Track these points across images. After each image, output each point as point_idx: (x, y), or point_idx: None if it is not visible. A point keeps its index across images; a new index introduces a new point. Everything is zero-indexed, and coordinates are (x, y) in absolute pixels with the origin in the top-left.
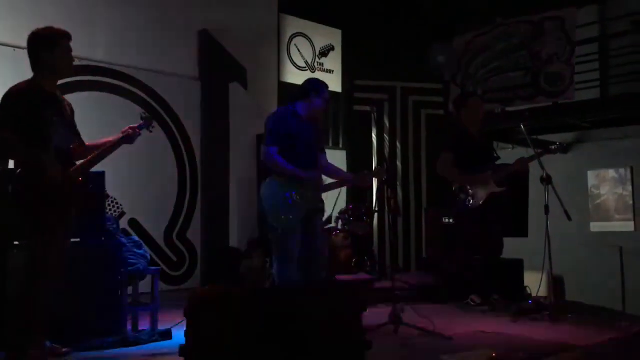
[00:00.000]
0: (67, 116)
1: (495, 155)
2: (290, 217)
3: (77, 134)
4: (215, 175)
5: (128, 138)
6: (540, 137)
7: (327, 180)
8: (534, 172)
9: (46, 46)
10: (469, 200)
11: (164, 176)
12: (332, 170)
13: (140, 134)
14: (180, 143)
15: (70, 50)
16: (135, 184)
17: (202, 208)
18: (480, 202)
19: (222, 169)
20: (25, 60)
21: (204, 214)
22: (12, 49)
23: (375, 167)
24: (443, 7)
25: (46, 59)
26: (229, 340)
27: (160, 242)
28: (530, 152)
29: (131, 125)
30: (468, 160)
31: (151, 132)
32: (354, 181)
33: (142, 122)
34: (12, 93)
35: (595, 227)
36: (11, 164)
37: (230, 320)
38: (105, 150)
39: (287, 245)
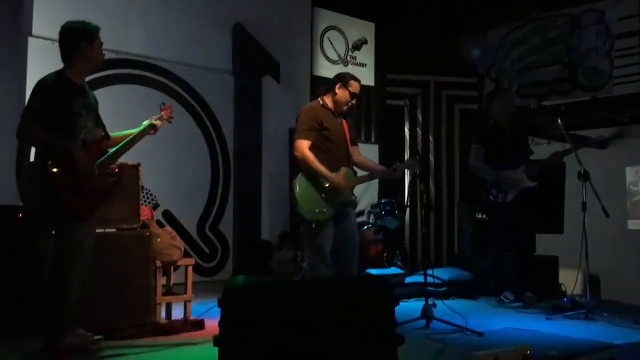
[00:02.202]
0: (92, 108)
1: (529, 149)
2: (324, 210)
3: (102, 126)
4: (247, 168)
5: (153, 128)
6: (578, 133)
7: (360, 172)
8: (571, 167)
9: (86, 38)
10: (501, 196)
11: (197, 168)
12: (364, 163)
13: (161, 125)
14: (214, 136)
15: (102, 44)
16: (168, 176)
17: (234, 200)
18: (513, 197)
19: (254, 162)
20: None
21: (236, 207)
22: (51, 42)
23: (407, 159)
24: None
25: (85, 51)
26: (262, 331)
27: (193, 233)
28: (567, 147)
29: (154, 116)
30: (499, 155)
31: (170, 122)
32: (386, 173)
33: (162, 112)
34: (41, 84)
35: (633, 224)
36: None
37: (264, 311)
38: (130, 141)
39: (319, 239)
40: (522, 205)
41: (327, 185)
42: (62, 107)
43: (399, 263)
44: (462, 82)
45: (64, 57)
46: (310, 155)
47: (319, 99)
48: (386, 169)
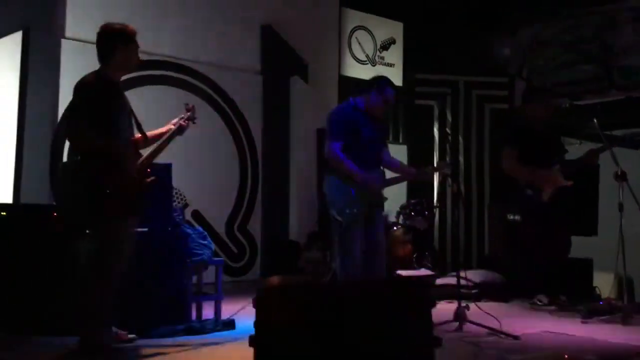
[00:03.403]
0: (129, 107)
1: (564, 149)
2: (355, 211)
3: (139, 125)
4: (275, 169)
5: (180, 129)
6: (612, 133)
7: (390, 174)
8: (605, 168)
9: (123, 40)
10: (536, 196)
11: (226, 168)
12: (394, 165)
13: (188, 126)
14: (242, 136)
15: (139, 47)
16: (197, 176)
17: (262, 201)
18: (548, 198)
19: (282, 162)
20: (94, 55)
21: (264, 207)
22: (84, 43)
23: (438, 162)
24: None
25: (121, 52)
26: (298, 331)
27: (222, 233)
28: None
29: (180, 117)
30: (533, 155)
31: (194, 123)
32: (417, 176)
33: (187, 113)
34: (83, 84)
35: None
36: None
37: (300, 312)
38: (164, 141)
39: (350, 239)
40: (558, 206)
41: (357, 185)
42: (103, 107)
43: (429, 264)
44: (493, 82)
45: (100, 57)
46: (341, 155)
47: (350, 99)
48: (417, 171)
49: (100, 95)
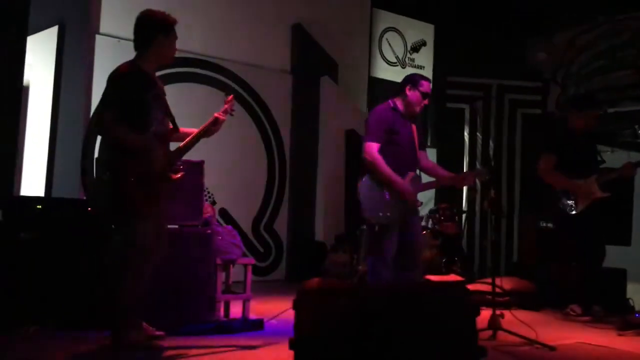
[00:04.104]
0: (163, 99)
1: (600, 158)
2: (388, 214)
3: (172, 118)
4: (303, 169)
5: (215, 121)
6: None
7: (426, 178)
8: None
9: (164, 29)
10: (572, 206)
11: (254, 167)
12: (432, 169)
13: (225, 119)
14: (271, 135)
15: (177, 37)
16: (225, 174)
17: (289, 201)
18: (584, 208)
19: (310, 162)
20: (128, 51)
21: (291, 207)
22: (117, 40)
23: (477, 168)
24: (541, 2)
25: (160, 41)
26: (338, 335)
27: (248, 232)
28: (634, 155)
29: (218, 113)
30: (571, 163)
31: (232, 115)
32: (454, 181)
33: (225, 105)
34: (117, 75)
35: None
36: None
37: (342, 316)
38: (197, 136)
39: (382, 243)
40: (594, 216)
41: (393, 190)
42: (135, 97)
43: (458, 270)
44: (526, 86)
45: (137, 45)
46: (379, 158)
47: (389, 101)
48: (454, 175)
49: (133, 86)
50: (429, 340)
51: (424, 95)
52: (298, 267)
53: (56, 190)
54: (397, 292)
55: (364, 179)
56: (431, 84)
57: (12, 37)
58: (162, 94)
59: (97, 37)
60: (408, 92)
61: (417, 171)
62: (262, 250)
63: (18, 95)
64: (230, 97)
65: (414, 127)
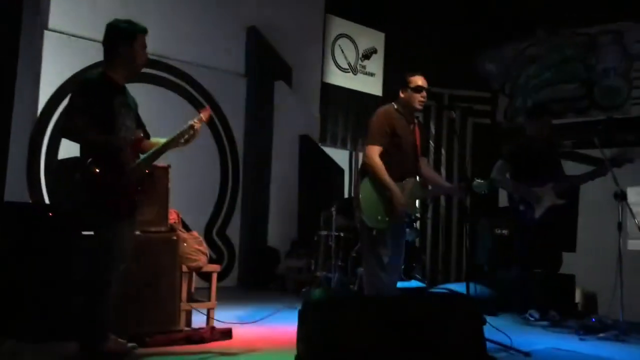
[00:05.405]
0: (132, 108)
1: (560, 168)
2: (386, 219)
3: (142, 125)
4: (256, 174)
5: (191, 128)
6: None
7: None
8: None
9: (126, 39)
10: (529, 212)
11: (207, 171)
12: (430, 176)
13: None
14: (224, 139)
15: (146, 46)
16: (178, 178)
17: (242, 206)
18: (540, 215)
19: (263, 167)
20: (81, 48)
21: (243, 213)
22: (67, 36)
23: (476, 180)
24: (491, 13)
25: (124, 52)
26: (346, 347)
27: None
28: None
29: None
30: (527, 171)
31: (207, 124)
32: (452, 191)
33: (201, 114)
34: (84, 81)
35: (633, 244)
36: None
37: (350, 327)
38: (169, 143)
39: (379, 247)
40: (549, 223)
41: (389, 196)
42: (103, 104)
43: (418, 276)
44: (476, 96)
45: (105, 55)
46: (379, 163)
47: (393, 103)
48: (452, 186)
49: (97, 92)
50: (439, 350)
51: (418, 89)
52: (250, 273)
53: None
54: (402, 304)
55: (364, 182)
56: (423, 76)
57: None
58: (132, 104)
59: (46, 32)
60: (402, 94)
61: (418, 177)
62: (214, 256)
63: None
64: (207, 107)
65: (417, 131)
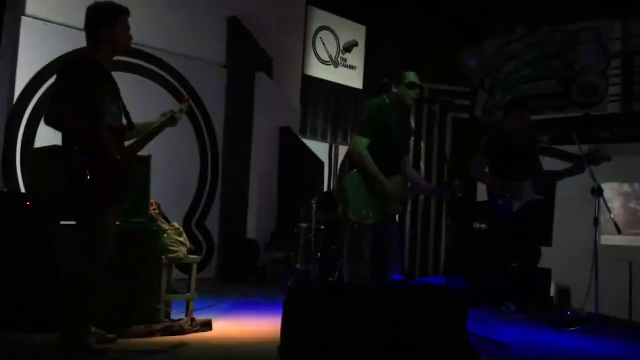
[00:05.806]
0: (117, 94)
1: (538, 163)
2: (370, 214)
3: (127, 113)
4: (236, 165)
5: (172, 119)
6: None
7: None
8: (562, 183)
9: (106, 21)
10: (507, 206)
11: (186, 162)
12: (412, 176)
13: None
14: (204, 129)
15: (129, 27)
16: (156, 168)
17: (221, 197)
18: (518, 209)
19: (243, 158)
20: (55, 34)
21: (223, 204)
22: (44, 22)
23: (456, 183)
24: (472, 8)
25: (105, 35)
26: (330, 338)
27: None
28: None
29: (172, 109)
30: (505, 166)
31: (187, 114)
32: (432, 192)
33: (182, 104)
34: (69, 64)
35: (606, 240)
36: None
37: (333, 318)
38: (153, 132)
39: (361, 241)
40: (529, 216)
41: (377, 189)
42: (87, 90)
43: (397, 269)
44: (456, 91)
45: (87, 39)
46: (366, 155)
47: (384, 97)
48: (434, 187)
49: (83, 78)
50: (423, 342)
51: (411, 85)
52: (229, 265)
53: None
54: (387, 296)
55: (350, 174)
56: (416, 74)
57: None
58: (116, 88)
59: (23, 18)
60: (394, 89)
61: (404, 175)
62: (192, 247)
63: None
64: (187, 97)
65: (407, 128)
